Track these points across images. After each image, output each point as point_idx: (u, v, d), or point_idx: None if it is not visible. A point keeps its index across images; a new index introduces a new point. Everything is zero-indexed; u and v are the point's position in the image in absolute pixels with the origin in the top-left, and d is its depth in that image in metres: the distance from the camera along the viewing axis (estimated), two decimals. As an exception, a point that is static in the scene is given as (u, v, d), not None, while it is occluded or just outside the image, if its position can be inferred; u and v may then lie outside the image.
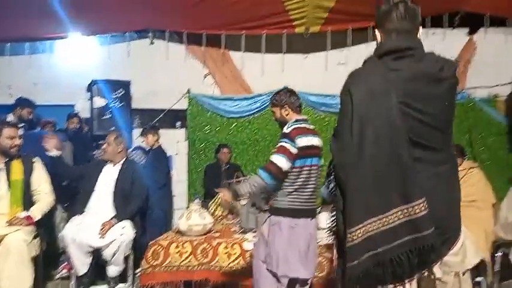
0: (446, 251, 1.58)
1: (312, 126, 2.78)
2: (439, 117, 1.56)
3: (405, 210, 1.46)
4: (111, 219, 3.55)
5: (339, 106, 1.69)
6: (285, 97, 2.73)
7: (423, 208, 1.46)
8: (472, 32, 5.72)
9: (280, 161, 2.50)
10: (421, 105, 1.52)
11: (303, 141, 2.58)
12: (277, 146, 2.59)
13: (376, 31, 1.67)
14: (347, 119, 1.57)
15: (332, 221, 1.69)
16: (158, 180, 4.75)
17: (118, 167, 3.81)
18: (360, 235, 1.47)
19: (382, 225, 1.47)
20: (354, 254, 1.48)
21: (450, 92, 1.58)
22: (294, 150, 2.53)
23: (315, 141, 2.68)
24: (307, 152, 2.61)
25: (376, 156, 1.49)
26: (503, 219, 3.67)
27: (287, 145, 2.54)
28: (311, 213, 2.71)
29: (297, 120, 2.69)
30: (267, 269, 2.65)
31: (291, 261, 2.59)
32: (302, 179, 2.61)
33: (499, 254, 3.62)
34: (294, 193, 2.61)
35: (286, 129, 2.62)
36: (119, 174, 3.77)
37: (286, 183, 2.61)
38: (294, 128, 2.60)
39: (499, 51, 5.56)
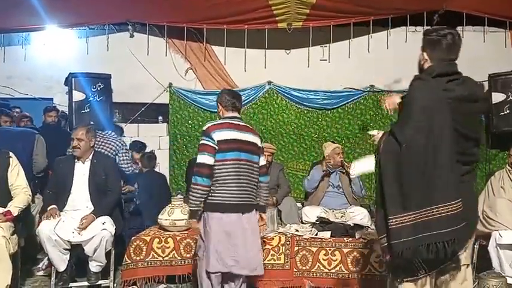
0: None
1: (241, 123, 2.85)
2: (475, 131, 1.98)
3: (446, 208, 1.82)
4: (90, 214, 3.46)
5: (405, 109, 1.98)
6: (221, 96, 2.90)
7: (459, 207, 1.83)
8: (450, 31, 5.84)
9: (203, 159, 2.65)
10: (464, 121, 1.91)
11: (221, 135, 2.68)
12: (199, 145, 2.73)
13: (425, 53, 2.05)
14: (411, 123, 1.89)
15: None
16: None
17: (88, 162, 3.66)
18: (409, 220, 1.84)
19: (427, 216, 1.82)
20: (400, 234, 1.84)
21: (483, 108, 2.10)
22: (212, 145, 2.66)
23: (242, 136, 2.75)
24: (229, 145, 2.69)
25: (430, 160, 1.84)
26: (481, 212, 3.78)
27: (204, 141, 2.68)
28: (243, 208, 2.75)
29: (222, 118, 2.83)
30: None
31: (223, 257, 2.65)
32: (227, 173, 2.68)
33: (476, 246, 3.73)
34: (221, 187, 2.67)
35: (204, 127, 2.75)
36: (90, 170, 3.63)
37: (214, 178, 2.69)
38: (210, 125, 2.73)
39: (476, 50, 5.70)
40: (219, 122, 2.77)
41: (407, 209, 1.86)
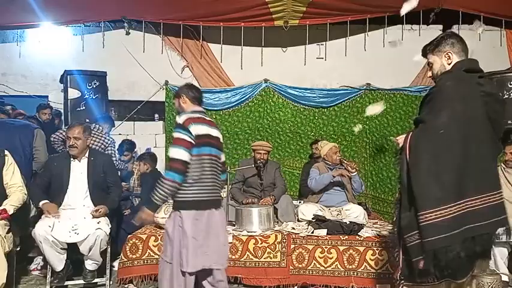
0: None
1: (208, 118, 2.77)
2: (501, 129, 2.05)
3: (491, 197, 1.84)
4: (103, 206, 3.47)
5: (431, 100, 1.98)
6: (184, 88, 2.78)
7: (501, 197, 1.86)
8: (446, 29, 5.86)
9: (179, 154, 2.47)
10: (493, 116, 1.95)
11: (198, 129, 2.55)
12: (173, 138, 2.56)
13: (449, 54, 2.07)
14: (446, 111, 1.88)
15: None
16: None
17: (84, 160, 3.62)
18: (448, 213, 1.77)
19: (473, 206, 1.79)
20: (439, 229, 1.76)
21: (501, 110, 2.07)
22: (189, 139, 2.51)
23: (212, 131, 2.68)
24: (203, 140, 2.58)
25: (467, 152, 1.83)
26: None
27: (181, 135, 2.51)
28: (215, 204, 2.67)
29: (193, 111, 2.68)
30: (180, 270, 2.57)
31: (198, 254, 2.55)
32: (202, 168, 2.57)
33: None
34: (197, 184, 2.55)
35: (179, 119, 2.59)
36: (88, 168, 3.59)
37: (188, 174, 2.53)
38: (187, 118, 2.57)
39: (472, 48, 5.70)
40: (195, 116, 2.62)
41: (446, 201, 1.76)
